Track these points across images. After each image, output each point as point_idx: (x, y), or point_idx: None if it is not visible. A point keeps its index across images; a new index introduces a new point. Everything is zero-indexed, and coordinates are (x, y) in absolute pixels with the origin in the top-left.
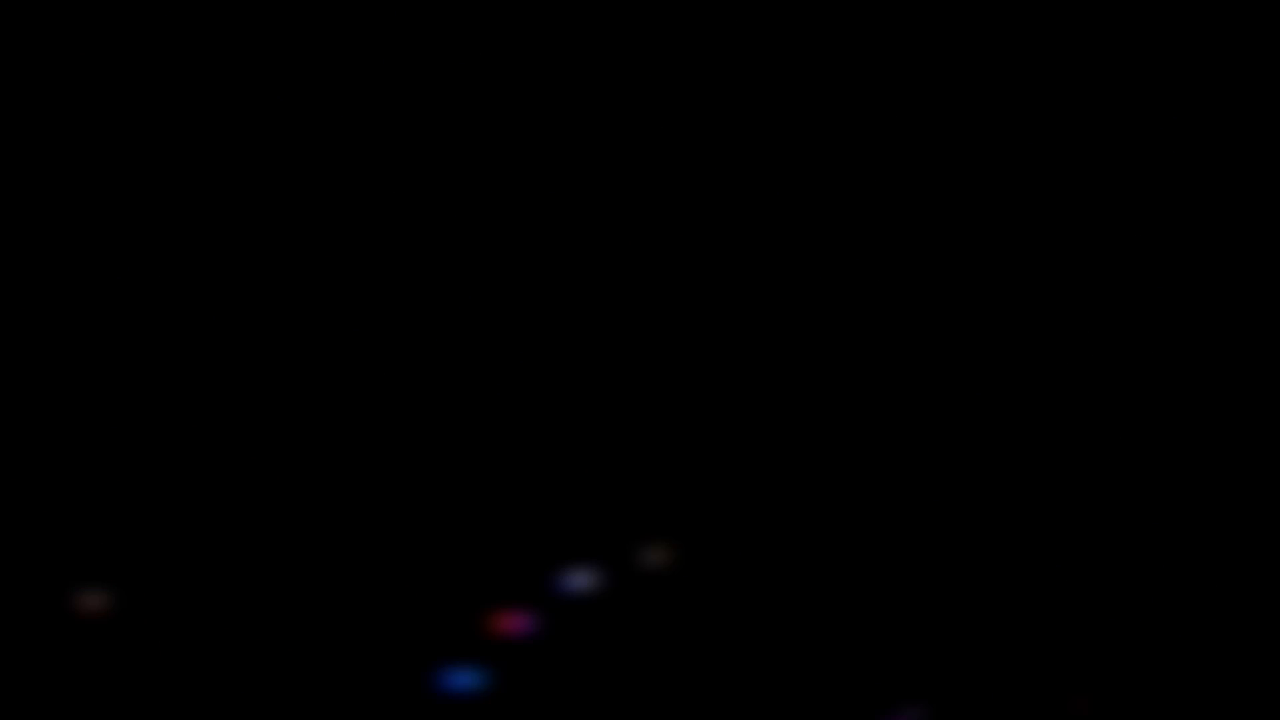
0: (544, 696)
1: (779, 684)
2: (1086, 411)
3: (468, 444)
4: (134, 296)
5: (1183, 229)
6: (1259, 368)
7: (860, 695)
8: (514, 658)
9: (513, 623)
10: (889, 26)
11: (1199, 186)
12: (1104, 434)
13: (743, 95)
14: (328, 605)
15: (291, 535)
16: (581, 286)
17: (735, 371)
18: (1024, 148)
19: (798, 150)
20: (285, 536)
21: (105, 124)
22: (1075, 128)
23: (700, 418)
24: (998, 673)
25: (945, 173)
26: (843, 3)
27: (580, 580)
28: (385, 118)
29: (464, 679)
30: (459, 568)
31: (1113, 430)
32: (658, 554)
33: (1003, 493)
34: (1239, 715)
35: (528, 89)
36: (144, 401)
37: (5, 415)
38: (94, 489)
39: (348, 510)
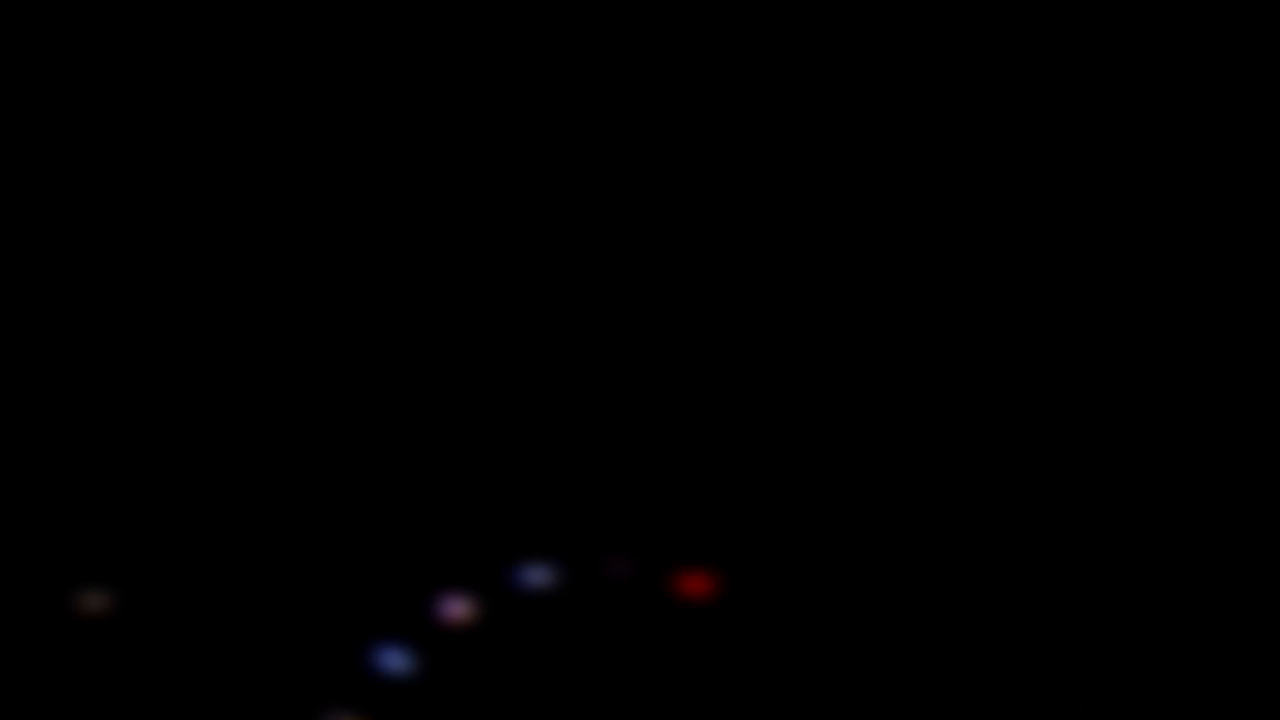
0: (478, 686)
1: (729, 689)
2: (1087, 412)
3: (461, 441)
4: (134, 296)
5: (1183, 229)
6: (1259, 368)
7: (856, 696)
8: (453, 646)
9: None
10: (889, 26)
11: (1199, 186)
12: (1104, 434)
13: (743, 95)
14: (328, 604)
15: (291, 533)
16: (579, 286)
17: (728, 372)
18: (1024, 148)
19: (798, 150)
20: (285, 534)
21: (105, 124)
22: (1075, 128)
23: (689, 422)
24: (998, 674)
25: (945, 173)
26: (843, 3)
27: (538, 576)
28: (385, 118)
29: (396, 661)
30: (408, 556)
31: (1113, 431)
32: (616, 563)
33: (1003, 496)
34: (1239, 715)
35: (528, 89)
36: (144, 401)
37: (5, 415)
38: (94, 489)
39: (347, 509)
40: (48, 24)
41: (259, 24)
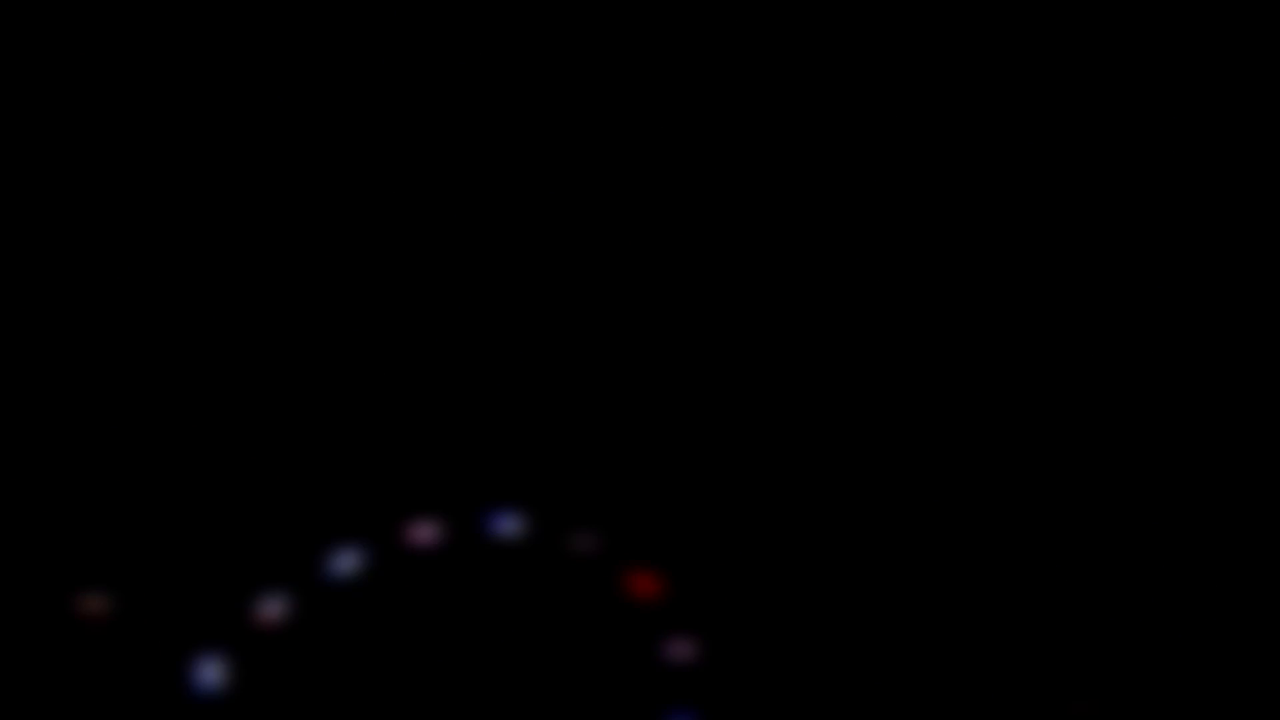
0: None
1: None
2: (1087, 413)
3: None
4: (134, 296)
5: (1183, 229)
6: (1259, 368)
7: (851, 698)
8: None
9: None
10: (889, 27)
11: (1199, 186)
12: (1104, 435)
13: (743, 95)
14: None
15: (289, 529)
16: (576, 285)
17: (716, 371)
18: (1024, 148)
19: (797, 150)
20: (283, 532)
21: (105, 124)
22: (1075, 128)
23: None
24: (997, 676)
25: (945, 173)
26: (843, 3)
27: (345, 562)
28: (385, 118)
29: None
30: None
31: (1113, 431)
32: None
33: (1002, 497)
34: (1239, 716)
35: (528, 89)
36: (144, 401)
37: (5, 415)
38: (94, 489)
39: (346, 509)
40: (48, 24)
41: (259, 24)
